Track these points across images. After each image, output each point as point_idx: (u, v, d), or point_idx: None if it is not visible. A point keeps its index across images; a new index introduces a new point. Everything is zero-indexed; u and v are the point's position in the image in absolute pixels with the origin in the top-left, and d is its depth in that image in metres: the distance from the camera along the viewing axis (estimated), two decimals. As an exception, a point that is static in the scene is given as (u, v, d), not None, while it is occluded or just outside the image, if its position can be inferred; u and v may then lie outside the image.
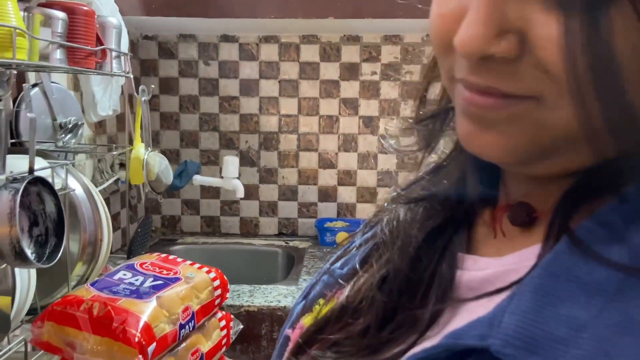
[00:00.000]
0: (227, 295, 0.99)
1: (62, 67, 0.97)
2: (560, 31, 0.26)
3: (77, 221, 1.03)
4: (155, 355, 0.80)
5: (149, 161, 1.31)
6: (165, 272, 0.92)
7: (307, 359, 0.39)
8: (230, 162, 1.86)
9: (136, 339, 0.76)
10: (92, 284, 0.87)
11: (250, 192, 2.07)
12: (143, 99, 1.33)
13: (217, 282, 0.95)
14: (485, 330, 0.28)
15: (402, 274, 0.38)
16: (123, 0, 1.50)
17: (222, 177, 1.88)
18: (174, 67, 2.04)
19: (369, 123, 2.04)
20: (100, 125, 1.71)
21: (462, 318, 0.33)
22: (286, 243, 2.01)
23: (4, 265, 0.81)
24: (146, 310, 0.80)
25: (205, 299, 0.92)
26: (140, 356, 0.76)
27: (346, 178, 2.07)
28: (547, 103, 0.28)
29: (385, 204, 0.45)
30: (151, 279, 0.89)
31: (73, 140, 1.27)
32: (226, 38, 2.02)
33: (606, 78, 0.25)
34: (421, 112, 0.42)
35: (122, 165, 1.53)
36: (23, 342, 0.89)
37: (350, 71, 2.01)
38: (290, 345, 0.42)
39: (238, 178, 1.87)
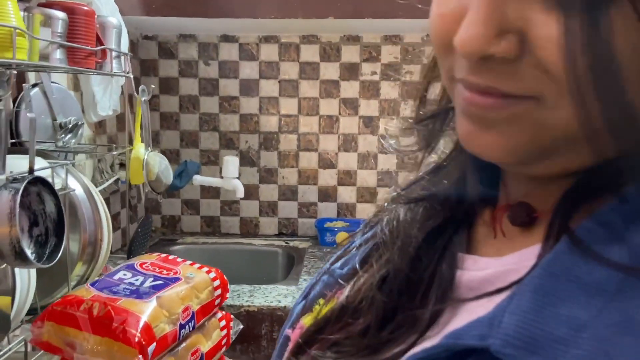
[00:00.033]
0: (227, 295, 0.99)
1: (62, 67, 0.97)
2: (560, 31, 0.26)
3: (77, 221, 1.03)
4: (155, 355, 0.80)
5: (149, 161, 1.31)
6: (165, 272, 0.92)
7: (307, 359, 0.39)
8: (230, 162, 1.86)
9: (136, 339, 0.76)
10: (92, 284, 0.87)
11: (250, 192, 2.07)
12: (143, 99, 1.33)
13: (217, 282, 0.95)
14: (485, 330, 0.28)
15: (402, 274, 0.38)
16: (123, 0, 1.50)
17: (222, 177, 1.88)
18: (174, 67, 2.04)
19: (369, 123, 2.04)
20: (100, 125, 1.71)
21: (462, 318, 0.33)
22: (286, 243, 2.01)
23: (4, 265, 0.81)
24: (146, 310, 0.80)
25: (205, 299, 0.92)
26: (140, 356, 0.76)
27: (346, 178, 2.07)
28: (547, 103, 0.28)
29: (385, 204, 0.45)
30: (151, 279, 0.89)
31: (73, 140, 1.27)
32: (226, 38, 2.02)
33: (606, 78, 0.25)
34: (421, 113, 0.42)
35: (122, 165, 1.53)
36: (23, 342, 0.89)
37: (350, 71, 2.01)
38: (290, 345, 0.42)
39: (238, 178, 1.87)
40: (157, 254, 1.02)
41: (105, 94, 1.49)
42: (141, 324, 0.78)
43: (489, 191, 0.39)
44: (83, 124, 1.32)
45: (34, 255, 0.77)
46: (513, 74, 0.28)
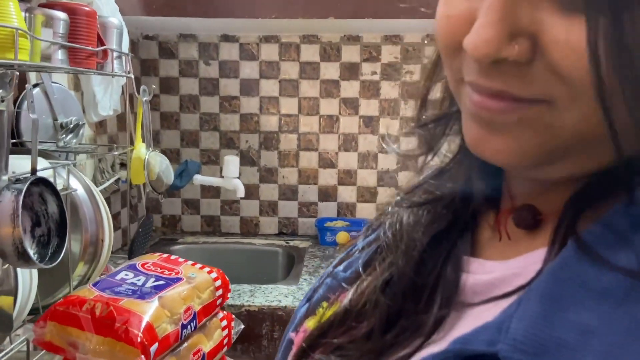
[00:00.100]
0: (228, 295, 0.99)
1: (64, 67, 0.97)
2: (578, 34, 0.25)
3: (78, 221, 1.03)
4: (158, 355, 0.80)
5: (150, 161, 1.31)
6: (167, 272, 0.92)
7: None
8: (231, 162, 1.86)
9: (138, 339, 0.77)
10: (95, 284, 0.87)
11: (251, 192, 2.07)
12: (144, 99, 1.33)
13: (218, 282, 0.95)
14: (493, 336, 0.28)
15: (406, 278, 0.38)
16: (123, 0, 1.50)
17: (222, 177, 1.88)
18: (174, 66, 2.04)
19: (369, 123, 2.04)
20: (100, 125, 1.71)
21: (468, 322, 0.33)
22: (286, 242, 2.01)
23: (7, 266, 0.81)
24: (148, 311, 0.81)
25: (206, 299, 0.92)
26: (142, 356, 0.76)
27: (346, 178, 2.08)
28: (558, 106, 0.28)
29: (388, 208, 0.45)
30: (153, 279, 0.89)
31: (74, 141, 1.27)
32: (226, 38, 2.02)
33: (633, 79, 0.25)
34: (424, 117, 0.42)
35: (123, 165, 1.53)
36: (25, 342, 0.89)
37: (351, 71, 2.01)
38: (294, 349, 0.42)
39: (238, 178, 1.87)
40: (158, 254, 1.02)
41: (106, 94, 1.49)
42: (143, 324, 0.78)
43: (493, 194, 0.39)
44: (84, 124, 1.32)
45: (36, 255, 0.77)
46: (525, 77, 0.28)
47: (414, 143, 0.43)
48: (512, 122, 0.30)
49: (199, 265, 0.97)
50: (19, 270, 0.85)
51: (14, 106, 1.10)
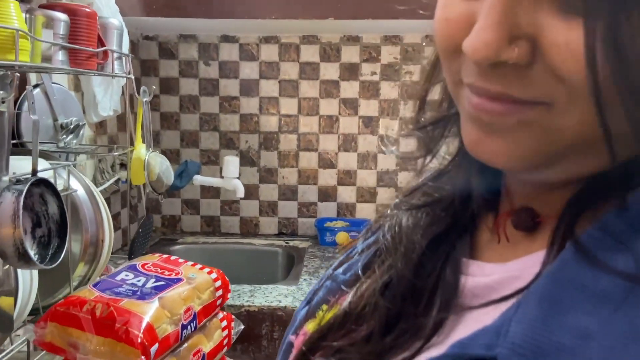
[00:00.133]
0: (228, 295, 0.99)
1: (64, 68, 0.97)
2: (577, 37, 0.25)
3: (78, 222, 1.03)
4: (158, 356, 0.80)
5: (150, 162, 1.32)
6: (167, 272, 0.92)
7: None
8: (231, 162, 1.86)
9: (139, 340, 0.77)
10: (95, 285, 0.88)
11: (250, 192, 2.08)
12: (144, 99, 1.33)
13: (218, 283, 0.96)
14: (492, 340, 0.28)
15: (405, 280, 0.38)
16: (124, 0, 1.51)
17: (222, 177, 1.89)
18: (174, 67, 2.04)
19: (369, 123, 2.04)
20: (101, 126, 1.72)
21: (467, 326, 0.33)
22: (286, 243, 2.01)
23: (7, 266, 0.81)
24: (148, 311, 0.81)
25: (206, 300, 0.92)
26: (142, 357, 0.76)
27: (346, 178, 2.08)
28: (557, 108, 0.28)
29: (387, 210, 0.45)
30: (153, 280, 0.89)
31: (74, 141, 1.27)
32: (226, 38, 2.02)
33: (630, 83, 0.25)
34: (422, 119, 0.42)
35: (123, 166, 1.53)
36: (26, 342, 0.89)
37: (350, 71, 2.02)
38: (294, 352, 0.42)
39: (238, 178, 1.88)
40: (158, 254, 1.02)
41: (106, 95, 1.49)
42: (144, 324, 0.78)
43: (492, 196, 0.39)
44: (84, 124, 1.32)
45: (37, 256, 0.77)
46: (524, 79, 0.28)
47: (413, 144, 0.43)
48: (511, 124, 0.30)
49: (199, 266, 0.97)
50: (19, 270, 0.85)
51: (14, 107, 1.10)
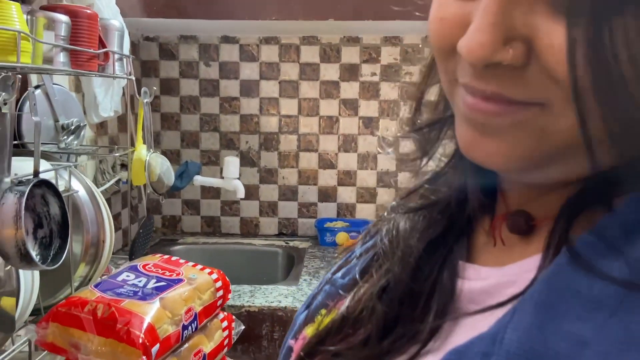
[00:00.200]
0: (229, 296, 1.00)
1: (66, 70, 0.98)
2: (564, 39, 0.26)
3: (80, 222, 1.04)
4: (159, 356, 0.80)
5: (150, 162, 1.32)
6: (168, 273, 0.92)
7: None
8: (231, 163, 1.86)
9: (140, 340, 0.77)
10: (96, 285, 0.88)
11: (251, 192, 2.08)
12: (145, 100, 1.34)
13: (219, 283, 0.96)
14: (488, 347, 0.28)
15: (402, 284, 0.38)
16: (124, 1, 1.51)
17: (222, 178, 1.89)
18: (174, 68, 2.05)
19: (369, 124, 2.05)
20: (101, 126, 1.72)
21: (463, 332, 0.33)
22: (286, 243, 2.02)
23: (9, 267, 0.81)
24: (150, 312, 0.81)
25: (207, 300, 0.92)
26: (144, 357, 0.77)
27: (346, 178, 2.08)
28: (552, 109, 0.28)
29: (385, 214, 0.45)
30: (154, 281, 0.89)
31: (75, 142, 1.27)
32: (227, 39, 2.03)
33: (609, 86, 0.25)
34: (418, 121, 0.42)
35: (124, 166, 1.54)
36: (27, 343, 0.89)
37: (350, 72, 2.02)
38: (293, 356, 0.42)
39: (238, 178, 1.88)
40: (159, 255, 1.02)
41: (107, 96, 1.50)
42: (145, 325, 0.79)
43: (488, 199, 0.39)
44: (85, 125, 1.33)
45: (38, 257, 0.77)
46: (519, 80, 0.28)
47: (410, 146, 0.43)
48: (506, 125, 0.29)
49: (199, 267, 0.98)
50: (20, 271, 0.85)
51: (16, 108, 1.10)
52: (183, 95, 2.06)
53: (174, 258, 1.00)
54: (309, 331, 0.43)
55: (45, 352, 0.87)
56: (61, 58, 0.96)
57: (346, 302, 0.40)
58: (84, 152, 1.34)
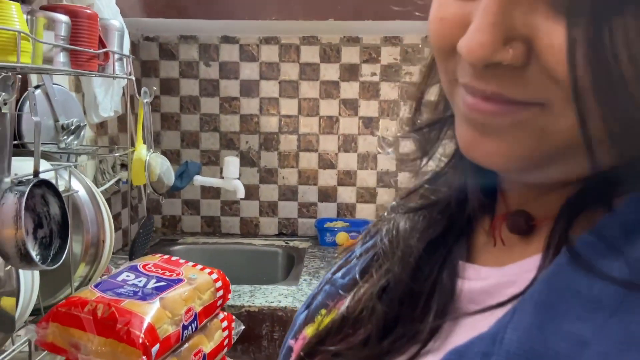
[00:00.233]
0: (229, 296, 1.00)
1: (66, 70, 0.98)
2: (564, 39, 0.26)
3: (80, 222, 1.04)
4: (159, 356, 0.80)
5: (150, 162, 1.32)
6: (168, 273, 0.92)
7: None
8: (231, 163, 1.86)
9: (140, 340, 0.77)
10: (96, 285, 0.88)
11: (251, 192, 2.08)
12: (145, 100, 1.34)
13: (219, 284, 0.96)
14: (488, 347, 0.28)
15: (402, 284, 0.38)
16: (124, 1, 1.51)
17: (222, 178, 1.89)
18: (174, 68, 2.05)
19: (369, 124, 2.05)
20: (101, 126, 1.72)
21: (464, 331, 0.33)
22: (286, 243, 2.02)
23: (9, 267, 0.81)
24: (150, 312, 0.81)
25: (207, 300, 0.92)
26: (144, 357, 0.77)
27: (346, 178, 2.08)
28: (552, 109, 0.28)
29: (385, 213, 0.45)
30: (154, 281, 0.89)
31: (75, 142, 1.27)
32: (227, 39, 2.03)
33: (609, 87, 0.25)
34: (418, 121, 0.42)
35: (123, 166, 1.54)
36: (27, 343, 0.89)
37: (350, 72, 2.02)
38: (293, 356, 0.42)
39: (238, 178, 1.88)
40: (159, 255, 1.02)
41: (107, 96, 1.50)
42: (145, 325, 0.79)
43: (488, 199, 0.39)
44: (85, 125, 1.33)
45: (38, 257, 0.77)
46: (519, 80, 0.28)
47: (410, 146, 0.43)
48: (506, 125, 0.29)
49: (199, 267, 0.98)
50: (20, 271, 0.85)
51: (16, 108, 1.10)
52: (183, 95, 2.06)
53: (174, 258, 1.00)
54: (309, 331, 0.43)
55: (45, 352, 0.87)
56: (61, 58, 0.96)
57: (346, 302, 0.40)
58: (84, 152, 1.34)
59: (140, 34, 2.02)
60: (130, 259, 1.33)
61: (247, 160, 2.08)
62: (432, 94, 0.41)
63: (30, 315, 0.92)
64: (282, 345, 0.46)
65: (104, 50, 1.10)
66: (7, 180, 0.77)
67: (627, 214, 0.29)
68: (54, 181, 0.86)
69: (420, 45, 1.98)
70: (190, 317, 0.87)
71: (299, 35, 2.01)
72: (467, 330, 0.32)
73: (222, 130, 2.08)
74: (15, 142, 1.08)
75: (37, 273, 0.90)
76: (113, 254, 1.14)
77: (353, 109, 2.04)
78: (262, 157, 2.09)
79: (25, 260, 0.74)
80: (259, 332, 1.42)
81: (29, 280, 0.89)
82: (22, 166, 0.86)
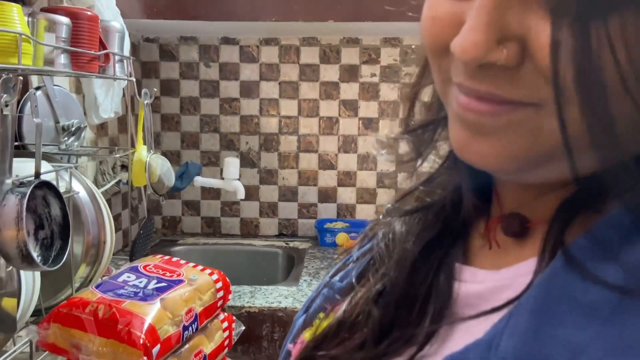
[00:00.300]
0: (229, 296, 1.00)
1: (67, 71, 0.98)
2: (550, 39, 0.26)
3: (80, 223, 1.04)
4: (160, 357, 0.81)
5: (151, 163, 1.32)
6: (168, 274, 0.93)
7: None
8: (231, 164, 1.87)
9: (141, 341, 0.77)
10: (97, 286, 0.88)
11: (251, 193, 2.08)
12: (145, 102, 1.34)
13: (219, 284, 0.96)
14: (484, 354, 0.28)
15: (398, 288, 0.38)
16: (124, 3, 1.51)
17: (222, 178, 1.89)
18: (174, 69, 2.05)
19: (369, 124, 2.05)
20: (102, 127, 1.72)
21: (459, 337, 0.33)
22: (286, 244, 2.02)
23: (10, 268, 0.82)
24: (150, 312, 0.81)
25: (208, 301, 0.93)
26: (145, 358, 0.77)
27: (346, 179, 2.09)
28: (546, 110, 0.27)
29: (380, 217, 0.45)
30: (155, 281, 0.90)
31: (76, 143, 1.28)
32: (227, 40, 2.03)
33: (591, 89, 0.25)
34: (412, 122, 0.41)
35: (124, 167, 1.54)
36: (28, 343, 0.90)
37: (350, 73, 2.02)
38: None
39: (239, 179, 1.88)
40: (160, 256, 1.03)
41: (107, 97, 1.50)
42: (146, 325, 0.79)
43: (483, 201, 0.39)
44: (85, 126, 1.33)
45: (40, 258, 0.78)
46: (513, 80, 0.28)
47: (406, 147, 0.42)
48: (499, 125, 0.29)
49: (200, 267, 0.98)
50: (22, 272, 0.85)
51: (17, 109, 1.10)
52: (183, 96, 2.07)
53: (174, 259, 1.01)
54: (306, 335, 0.43)
55: (47, 352, 0.87)
56: (62, 60, 0.96)
57: (343, 307, 0.40)
58: (85, 153, 1.34)
59: (140, 35, 2.03)
60: (131, 260, 1.33)
61: (247, 161, 2.08)
62: (426, 95, 0.41)
63: (32, 316, 0.93)
64: (281, 349, 0.46)
65: (105, 51, 1.10)
66: (9, 181, 0.77)
67: (622, 217, 0.29)
68: (54, 182, 0.86)
69: (413, 47, 1.98)
70: (190, 317, 0.87)
71: (298, 36, 2.01)
72: (463, 335, 0.32)
73: (222, 131, 2.08)
74: (16, 143, 1.08)
75: (38, 274, 0.91)
76: (113, 254, 1.14)
77: (353, 110, 2.05)
78: (262, 157, 2.09)
79: (27, 261, 0.75)
80: (259, 333, 1.42)
81: (30, 281, 0.89)
82: (23, 167, 0.86)
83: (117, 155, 1.43)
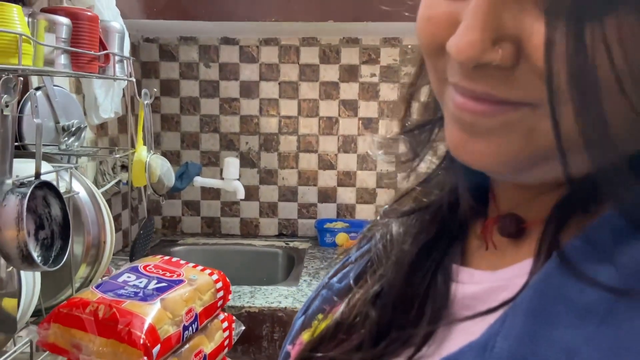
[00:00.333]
0: (229, 297, 1.00)
1: (67, 72, 0.98)
2: (544, 40, 0.26)
3: (80, 224, 1.04)
4: (160, 357, 0.81)
5: (151, 164, 1.33)
6: (168, 274, 0.93)
7: None
8: (231, 164, 1.87)
9: (141, 341, 0.78)
10: (97, 287, 0.88)
11: (251, 193, 2.09)
12: (145, 102, 1.34)
13: (219, 284, 0.96)
14: (479, 356, 0.28)
15: (396, 289, 0.38)
16: (124, 3, 1.51)
17: (222, 179, 1.89)
18: (174, 69, 2.05)
19: (368, 124, 2.05)
20: (102, 128, 1.72)
21: (456, 338, 0.33)
22: (286, 244, 2.02)
23: (10, 268, 0.82)
24: (151, 312, 0.82)
25: (208, 301, 0.93)
26: (145, 357, 0.77)
27: (346, 179, 2.09)
28: (542, 110, 0.27)
29: (378, 218, 0.45)
30: (155, 281, 0.90)
31: (76, 143, 1.28)
32: (227, 40, 2.03)
33: (584, 90, 0.25)
34: (409, 123, 0.41)
35: (124, 167, 1.54)
36: (29, 343, 0.90)
37: (350, 73, 2.03)
38: None
39: (238, 179, 1.88)
40: (160, 256, 1.03)
41: (107, 97, 1.50)
42: (146, 325, 0.79)
43: (480, 202, 0.39)
44: (85, 126, 1.33)
45: (40, 258, 0.78)
46: (509, 80, 0.28)
47: (401, 150, 0.42)
48: (495, 125, 0.29)
49: (200, 267, 0.98)
50: (22, 272, 0.86)
51: (17, 110, 1.10)
52: (183, 96, 2.07)
53: (174, 259, 1.01)
54: (305, 336, 0.43)
55: (47, 352, 0.88)
56: (62, 60, 0.96)
57: (341, 308, 0.40)
58: (85, 154, 1.34)
59: (140, 36, 2.03)
60: (131, 260, 1.33)
61: (247, 161, 2.08)
62: (423, 95, 0.41)
63: (32, 316, 0.93)
64: (281, 351, 0.46)
65: (105, 52, 1.10)
66: (9, 181, 0.77)
67: (616, 218, 0.29)
68: (55, 182, 0.86)
69: (410, 46, 1.98)
70: (190, 317, 0.87)
71: (298, 36, 2.01)
72: (460, 336, 0.32)
73: (222, 131, 2.08)
74: (16, 143, 1.08)
75: (38, 274, 0.91)
76: (113, 255, 1.15)
77: (353, 110, 2.05)
78: (262, 158, 2.09)
79: (27, 261, 0.75)
80: (259, 333, 1.42)
81: (31, 282, 0.89)
82: (23, 167, 0.86)
83: (117, 156, 1.43)
